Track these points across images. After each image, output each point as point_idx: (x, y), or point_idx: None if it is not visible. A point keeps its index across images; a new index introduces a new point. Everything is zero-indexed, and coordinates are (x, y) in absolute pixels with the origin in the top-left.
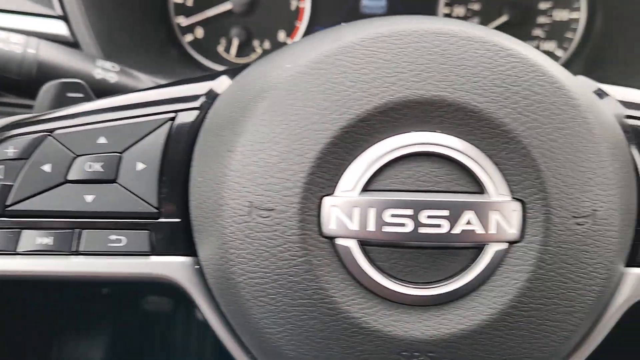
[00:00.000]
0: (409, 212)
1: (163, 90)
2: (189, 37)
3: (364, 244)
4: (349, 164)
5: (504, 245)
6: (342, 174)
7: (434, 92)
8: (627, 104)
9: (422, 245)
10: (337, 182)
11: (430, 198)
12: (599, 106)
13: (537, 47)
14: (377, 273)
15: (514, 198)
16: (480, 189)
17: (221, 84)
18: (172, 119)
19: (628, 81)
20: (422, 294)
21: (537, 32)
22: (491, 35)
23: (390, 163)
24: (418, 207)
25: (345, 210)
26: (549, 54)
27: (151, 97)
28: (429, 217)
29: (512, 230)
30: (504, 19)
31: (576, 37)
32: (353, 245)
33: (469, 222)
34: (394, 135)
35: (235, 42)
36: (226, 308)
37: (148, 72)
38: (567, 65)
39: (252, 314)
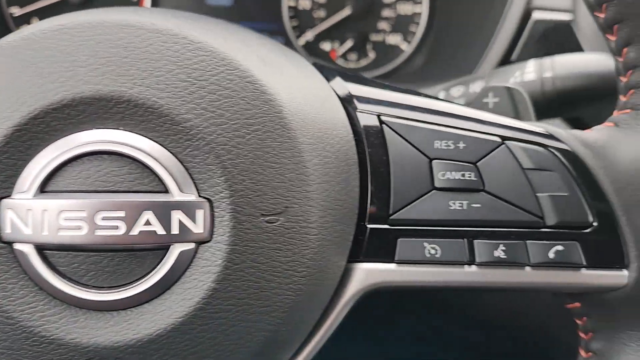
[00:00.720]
0: (83, 214)
1: None
2: None
3: (42, 249)
4: (26, 164)
5: (191, 246)
6: (18, 175)
7: (111, 87)
8: (360, 99)
9: (101, 248)
10: (14, 184)
11: (106, 199)
12: (309, 102)
13: (383, 41)
14: (56, 278)
15: (201, 197)
16: (165, 188)
17: None
18: None
19: (464, 71)
20: (105, 298)
21: (383, 25)
22: (184, 28)
23: (68, 163)
24: (92, 208)
25: (20, 213)
26: (395, 47)
27: None
28: (104, 218)
29: (198, 230)
30: (347, 12)
31: (419, 30)
32: (30, 250)
33: (148, 223)
34: (71, 134)
35: None
36: None
37: None
38: (412, 58)
39: None
